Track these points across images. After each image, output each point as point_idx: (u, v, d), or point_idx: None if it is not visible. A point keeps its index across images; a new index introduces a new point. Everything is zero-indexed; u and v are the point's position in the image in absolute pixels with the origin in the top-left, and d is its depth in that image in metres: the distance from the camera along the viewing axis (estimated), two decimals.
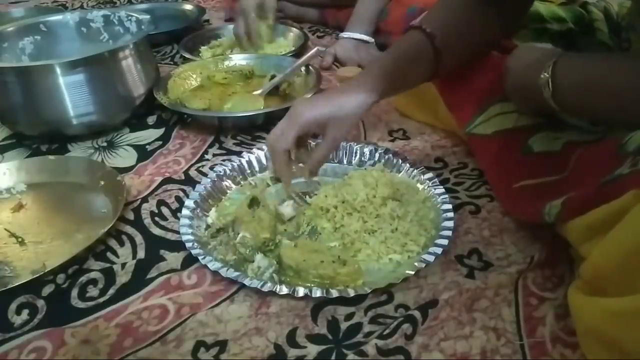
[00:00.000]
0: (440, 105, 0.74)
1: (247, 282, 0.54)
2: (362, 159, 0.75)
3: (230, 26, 1.22)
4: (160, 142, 0.84)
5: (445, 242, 0.57)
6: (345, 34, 1.11)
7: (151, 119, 0.91)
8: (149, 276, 0.57)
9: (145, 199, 0.70)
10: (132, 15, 0.97)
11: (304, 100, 0.61)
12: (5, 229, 0.65)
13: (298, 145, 0.62)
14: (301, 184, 0.66)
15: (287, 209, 0.63)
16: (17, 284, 0.55)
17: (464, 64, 0.68)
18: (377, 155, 0.74)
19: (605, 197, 0.44)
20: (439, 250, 0.56)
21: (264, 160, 0.74)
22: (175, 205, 0.69)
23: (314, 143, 0.66)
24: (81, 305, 0.54)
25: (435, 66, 0.64)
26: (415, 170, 0.70)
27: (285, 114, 0.61)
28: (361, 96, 0.61)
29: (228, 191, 0.70)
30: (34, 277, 0.55)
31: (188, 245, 0.59)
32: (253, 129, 0.85)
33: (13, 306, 0.54)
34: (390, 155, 0.73)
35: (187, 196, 0.69)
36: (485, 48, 0.68)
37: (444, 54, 0.63)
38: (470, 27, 0.65)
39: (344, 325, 0.51)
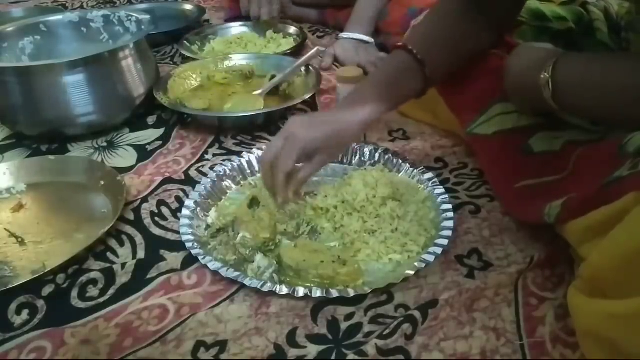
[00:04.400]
0: (440, 105, 0.74)
1: (247, 282, 0.54)
2: (362, 159, 0.75)
3: (233, 25, 1.25)
4: (160, 142, 0.84)
5: (445, 242, 0.57)
6: (345, 34, 1.11)
7: (151, 119, 0.91)
8: (149, 276, 0.57)
9: (145, 199, 0.70)
10: (132, 15, 0.97)
11: (298, 120, 0.60)
12: (5, 229, 0.65)
13: None
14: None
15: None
16: (17, 284, 0.55)
17: (452, 73, 0.68)
18: (377, 155, 0.74)
19: (605, 198, 0.44)
20: (439, 250, 0.56)
21: None
22: (175, 205, 0.69)
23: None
24: (81, 305, 0.54)
25: (423, 83, 0.64)
26: (415, 170, 0.70)
27: (285, 115, 0.61)
28: (356, 124, 0.60)
29: (228, 191, 0.70)
30: (34, 277, 0.55)
31: (188, 245, 0.59)
32: (253, 129, 0.85)
33: (13, 306, 0.54)
34: (390, 155, 0.73)
35: (187, 196, 0.69)
36: (474, 56, 0.68)
37: (431, 71, 0.63)
38: (457, 40, 0.65)
39: (344, 325, 0.51)
